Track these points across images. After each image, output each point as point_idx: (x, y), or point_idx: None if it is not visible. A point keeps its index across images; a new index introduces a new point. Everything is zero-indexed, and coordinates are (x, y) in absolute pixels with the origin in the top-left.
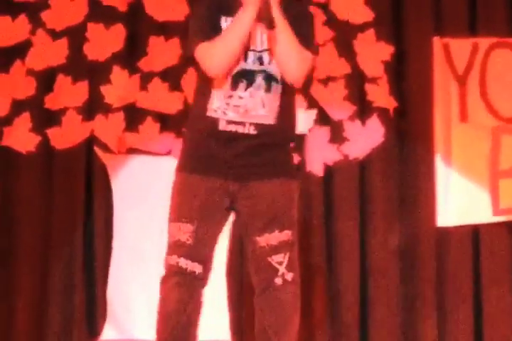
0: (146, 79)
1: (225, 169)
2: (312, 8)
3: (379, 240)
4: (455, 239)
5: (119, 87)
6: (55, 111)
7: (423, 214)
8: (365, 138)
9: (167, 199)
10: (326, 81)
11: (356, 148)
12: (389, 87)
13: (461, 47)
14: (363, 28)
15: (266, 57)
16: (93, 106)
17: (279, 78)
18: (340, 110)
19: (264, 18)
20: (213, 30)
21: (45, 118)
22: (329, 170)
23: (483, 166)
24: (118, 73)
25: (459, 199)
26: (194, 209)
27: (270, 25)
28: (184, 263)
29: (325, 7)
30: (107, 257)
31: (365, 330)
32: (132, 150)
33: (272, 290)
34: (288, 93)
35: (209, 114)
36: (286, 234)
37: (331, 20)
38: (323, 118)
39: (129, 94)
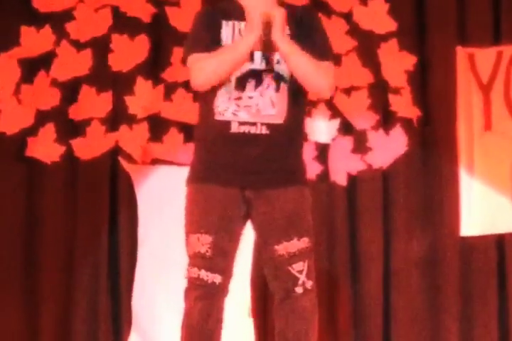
0: (170, 89)
1: (241, 176)
2: (335, 18)
3: (402, 249)
4: (479, 249)
5: (143, 98)
6: (80, 121)
7: (447, 223)
8: (389, 147)
9: None
10: (349, 91)
11: (380, 157)
12: (412, 96)
13: (485, 56)
14: (386, 37)
15: (275, 57)
16: (117, 117)
17: (287, 78)
18: (364, 120)
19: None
20: (209, 41)
21: (70, 129)
22: (353, 180)
23: (507, 175)
24: (142, 84)
25: (482, 209)
26: (212, 220)
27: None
28: (205, 275)
29: (348, 17)
30: (131, 266)
31: (388, 339)
32: (156, 161)
33: (293, 299)
34: (296, 93)
35: (218, 117)
36: (304, 241)
37: (354, 30)
38: (346, 128)
39: (153, 105)
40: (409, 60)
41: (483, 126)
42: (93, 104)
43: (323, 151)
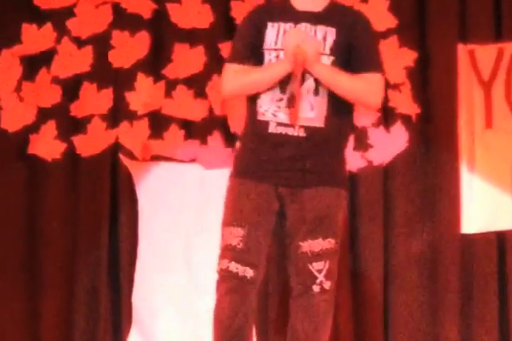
0: (170, 86)
1: (276, 173)
2: None
3: (403, 246)
4: (480, 247)
5: (144, 94)
6: (81, 118)
7: (447, 220)
8: (390, 144)
9: (191, 206)
10: None
11: (380, 154)
12: (412, 93)
13: (486, 53)
14: (386, 34)
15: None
16: (118, 114)
17: None
18: (365, 117)
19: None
20: (248, 52)
21: (71, 126)
22: (353, 177)
23: (508, 172)
24: (143, 80)
25: (483, 206)
26: (245, 214)
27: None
28: (234, 267)
29: None
30: (132, 263)
31: (389, 334)
32: (157, 157)
33: (309, 297)
34: (338, 98)
35: (259, 117)
36: (329, 242)
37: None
38: None
39: (154, 101)
40: (410, 56)
41: (485, 123)
42: (94, 100)
43: None
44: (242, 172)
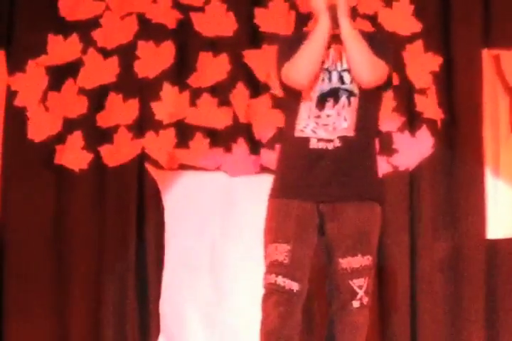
0: (195, 95)
1: (318, 189)
2: (360, 21)
3: (429, 251)
4: (505, 252)
5: (170, 104)
6: (107, 128)
7: (473, 225)
8: (415, 149)
9: (217, 214)
10: None
11: (406, 159)
12: (437, 97)
13: (511, 58)
14: (411, 39)
15: (347, 76)
16: (144, 123)
17: (357, 93)
18: (390, 121)
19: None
20: (294, 51)
21: (97, 136)
22: None
23: None
24: (168, 90)
25: (509, 211)
26: (290, 231)
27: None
28: (282, 281)
29: (373, 19)
30: (159, 272)
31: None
32: (183, 166)
33: (348, 312)
34: (365, 106)
35: (298, 134)
36: (367, 259)
37: (379, 33)
38: None
39: (179, 111)
40: (435, 61)
41: (510, 128)
42: (120, 110)
43: None
44: (283, 193)
